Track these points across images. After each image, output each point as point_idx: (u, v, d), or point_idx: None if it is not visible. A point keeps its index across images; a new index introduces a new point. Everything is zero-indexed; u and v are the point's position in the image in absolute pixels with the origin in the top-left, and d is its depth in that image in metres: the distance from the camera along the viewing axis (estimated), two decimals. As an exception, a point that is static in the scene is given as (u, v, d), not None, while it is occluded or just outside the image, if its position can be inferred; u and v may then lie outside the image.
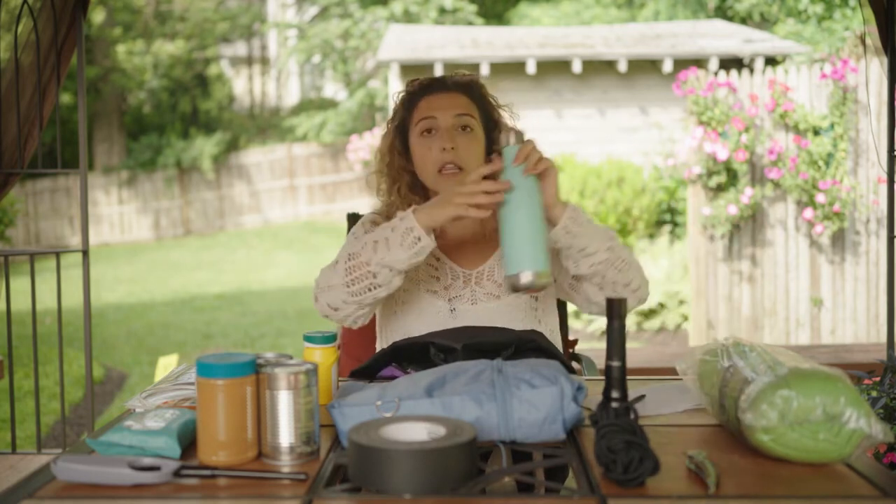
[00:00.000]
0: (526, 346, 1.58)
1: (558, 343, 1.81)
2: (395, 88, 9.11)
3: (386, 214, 1.82)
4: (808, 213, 5.74)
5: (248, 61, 22.03)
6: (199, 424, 1.16)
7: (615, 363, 1.15)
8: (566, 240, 1.53)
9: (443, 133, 1.72)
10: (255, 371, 1.17)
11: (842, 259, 5.94)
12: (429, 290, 1.75)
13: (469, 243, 1.81)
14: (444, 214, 1.48)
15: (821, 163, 5.69)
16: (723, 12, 12.45)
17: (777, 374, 1.16)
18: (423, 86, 1.81)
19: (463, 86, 1.79)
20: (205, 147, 15.38)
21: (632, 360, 3.95)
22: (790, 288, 5.98)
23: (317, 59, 17.25)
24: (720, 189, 5.87)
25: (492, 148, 1.75)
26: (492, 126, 1.80)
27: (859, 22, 8.87)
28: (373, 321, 1.89)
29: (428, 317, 1.73)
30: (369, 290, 1.56)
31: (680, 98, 6.35)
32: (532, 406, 1.22)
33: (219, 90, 18.19)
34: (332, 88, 19.89)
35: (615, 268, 1.58)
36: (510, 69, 8.94)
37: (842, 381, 1.15)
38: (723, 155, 5.68)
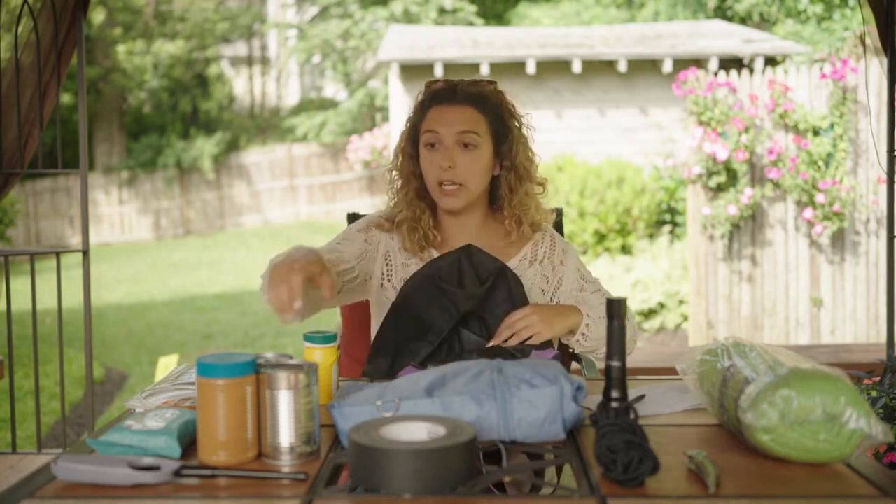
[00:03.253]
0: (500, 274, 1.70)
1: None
2: (395, 88, 9.10)
3: (389, 218, 1.84)
4: (808, 213, 5.74)
5: (249, 61, 22.01)
6: (199, 424, 1.16)
7: (615, 363, 1.15)
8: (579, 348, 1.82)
9: (443, 150, 1.73)
10: (255, 371, 1.17)
11: (841, 259, 5.94)
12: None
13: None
14: None
15: (820, 163, 5.69)
16: (722, 12, 12.44)
17: (777, 374, 1.16)
18: (435, 93, 1.79)
19: (472, 97, 1.76)
20: (205, 147, 15.37)
21: (632, 360, 3.95)
22: (790, 288, 5.98)
23: (317, 59, 17.24)
24: (720, 189, 5.86)
25: (502, 155, 1.79)
26: (504, 135, 1.78)
27: (859, 22, 8.87)
28: (368, 322, 1.91)
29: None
30: None
31: (680, 98, 6.35)
32: (532, 406, 1.22)
33: (219, 90, 18.17)
34: (332, 88, 19.87)
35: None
36: (510, 69, 8.93)
37: (842, 381, 1.15)
38: (722, 155, 5.68)
